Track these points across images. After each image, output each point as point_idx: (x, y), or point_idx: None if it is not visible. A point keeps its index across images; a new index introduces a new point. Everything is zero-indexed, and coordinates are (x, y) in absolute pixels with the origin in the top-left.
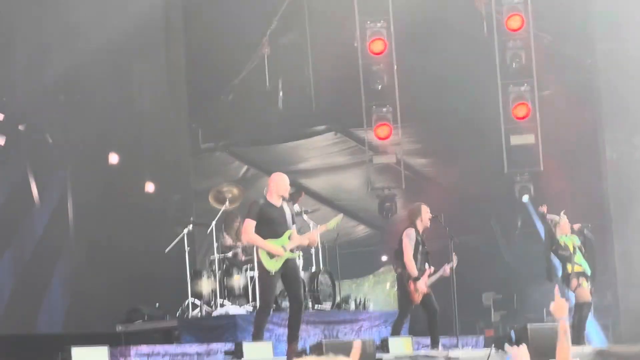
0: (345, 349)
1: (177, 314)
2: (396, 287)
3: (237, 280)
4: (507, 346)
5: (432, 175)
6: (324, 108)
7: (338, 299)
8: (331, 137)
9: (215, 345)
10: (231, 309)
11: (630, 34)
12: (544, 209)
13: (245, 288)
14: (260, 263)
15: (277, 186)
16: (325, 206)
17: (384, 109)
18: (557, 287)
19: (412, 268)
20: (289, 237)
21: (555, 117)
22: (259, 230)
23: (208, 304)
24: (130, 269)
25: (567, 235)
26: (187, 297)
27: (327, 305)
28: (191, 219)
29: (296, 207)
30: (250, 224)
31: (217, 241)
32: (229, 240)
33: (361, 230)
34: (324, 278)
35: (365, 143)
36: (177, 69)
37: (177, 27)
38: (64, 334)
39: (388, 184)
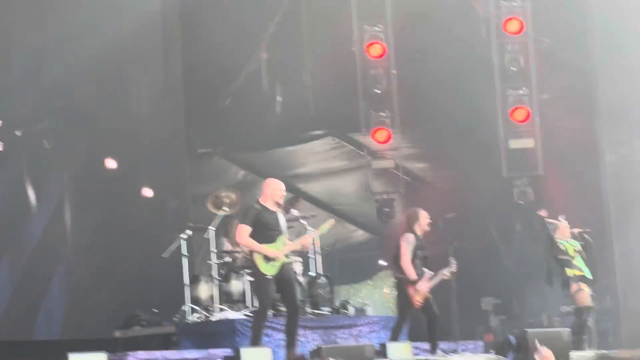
0: (344, 354)
1: (176, 320)
2: (395, 291)
3: (236, 285)
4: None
5: (431, 179)
6: (322, 112)
7: (336, 303)
8: (329, 142)
9: (213, 351)
10: (230, 314)
11: (629, 37)
12: (543, 213)
13: (244, 293)
14: (255, 268)
15: (273, 192)
16: (323, 211)
17: (383, 114)
18: (535, 341)
19: (411, 273)
20: (283, 243)
21: (554, 121)
22: (254, 235)
23: (206, 309)
24: (128, 275)
25: (566, 240)
26: (186, 303)
27: (325, 310)
28: (189, 224)
29: (294, 213)
30: (244, 229)
31: (215, 246)
32: (228, 245)
33: (360, 235)
34: (322, 283)
35: (364, 148)
36: (174, 74)
37: (174, 32)
38: (61, 340)
39: (386, 189)
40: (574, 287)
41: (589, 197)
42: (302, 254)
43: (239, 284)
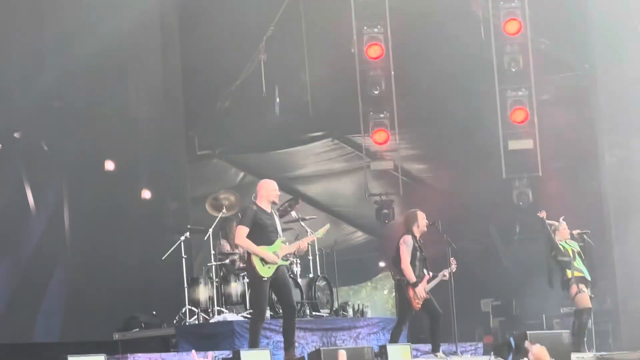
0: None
1: (175, 322)
2: (394, 293)
3: (235, 287)
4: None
5: (430, 181)
6: (321, 114)
7: (336, 305)
8: (328, 144)
9: (212, 353)
10: (229, 316)
11: (628, 38)
12: (542, 214)
13: (243, 295)
14: (252, 270)
15: (268, 192)
16: (322, 212)
17: (382, 115)
18: (526, 342)
19: (410, 274)
20: (280, 246)
21: (553, 122)
22: (252, 237)
23: (205, 311)
24: (127, 277)
25: (566, 241)
26: (185, 305)
27: (324, 312)
28: (188, 226)
29: (293, 214)
30: (243, 230)
31: (214, 248)
32: (227, 247)
33: (359, 236)
34: (321, 285)
35: (363, 149)
36: (173, 76)
37: (173, 34)
38: (60, 342)
39: (385, 190)
40: (573, 288)
41: (588, 198)
42: (301, 256)
43: (237, 286)
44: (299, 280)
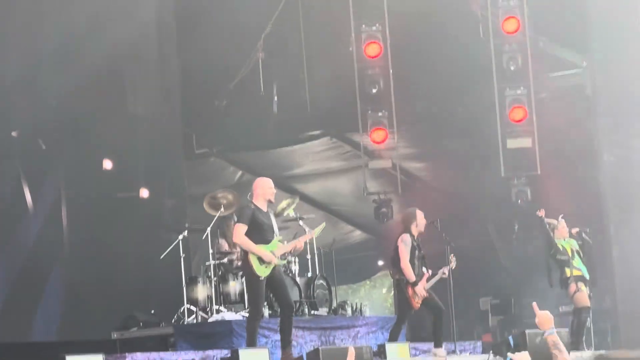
0: (342, 355)
1: (173, 321)
2: (393, 292)
3: (233, 286)
4: (509, 354)
5: (428, 179)
6: (319, 113)
7: (334, 304)
8: (326, 142)
9: (211, 352)
10: (227, 315)
11: (626, 36)
12: (541, 213)
13: (241, 294)
14: (249, 269)
15: (264, 190)
16: (321, 211)
17: (380, 113)
18: (535, 304)
19: (410, 273)
20: (277, 245)
21: (552, 120)
22: (248, 236)
23: (204, 310)
24: (125, 276)
25: (565, 239)
26: (183, 304)
27: (323, 311)
28: (186, 225)
29: (291, 213)
30: (241, 228)
31: (212, 247)
32: (225, 246)
33: (357, 235)
34: (320, 284)
35: (361, 148)
36: (171, 74)
37: (170, 32)
38: (58, 341)
39: (384, 189)
40: (572, 287)
41: (587, 196)
42: (299, 254)
43: (236, 285)
44: (298, 279)
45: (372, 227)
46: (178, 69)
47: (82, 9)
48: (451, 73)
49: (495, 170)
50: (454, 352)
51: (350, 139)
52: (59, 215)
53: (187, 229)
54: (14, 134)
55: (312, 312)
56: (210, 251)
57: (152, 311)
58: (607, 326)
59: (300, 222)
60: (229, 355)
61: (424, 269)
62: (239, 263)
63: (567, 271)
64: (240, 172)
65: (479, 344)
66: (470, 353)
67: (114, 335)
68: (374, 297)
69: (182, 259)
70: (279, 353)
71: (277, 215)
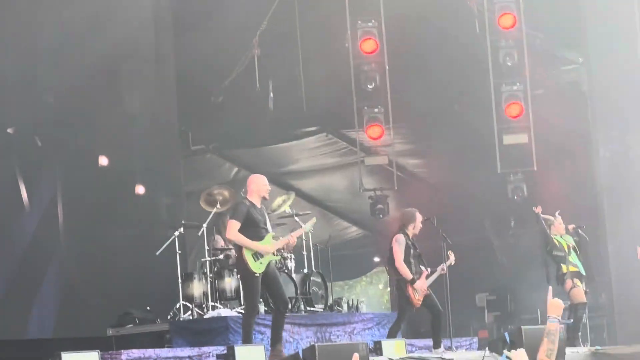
0: (338, 352)
1: (169, 317)
2: (391, 291)
3: (229, 283)
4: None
5: (425, 175)
6: (315, 109)
7: (330, 300)
8: (322, 138)
9: (207, 349)
10: (223, 311)
11: (623, 32)
12: (538, 209)
13: (237, 290)
14: (244, 266)
15: (258, 187)
16: (316, 207)
17: (376, 110)
18: (550, 288)
19: (406, 272)
20: (270, 241)
21: (548, 116)
22: (242, 232)
23: (199, 306)
24: (121, 272)
25: (561, 236)
26: (179, 300)
27: (319, 308)
28: (182, 221)
29: (287, 209)
30: (235, 224)
31: (208, 243)
32: (221, 242)
33: (353, 231)
34: (316, 280)
35: (357, 144)
36: (166, 71)
37: (166, 28)
38: (54, 338)
39: (380, 185)
40: (568, 283)
41: (583, 193)
42: (294, 250)
43: (232, 281)
44: (293, 275)
45: (368, 223)
46: (174, 66)
47: (77, 7)
48: (447, 69)
49: (491, 167)
50: (450, 348)
51: (346, 136)
52: (55, 212)
53: (183, 225)
54: (9, 130)
55: (308, 308)
56: (206, 248)
57: (148, 308)
58: (603, 322)
59: (296, 219)
60: (224, 351)
61: (422, 267)
62: (235, 259)
63: (564, 267)
64: (236, 169)
65: (475, 340)
66: (466, 349)
67: (110, 332)
68: (370, 294)
69: (177, 256)
70: None
71: (273, 211)
